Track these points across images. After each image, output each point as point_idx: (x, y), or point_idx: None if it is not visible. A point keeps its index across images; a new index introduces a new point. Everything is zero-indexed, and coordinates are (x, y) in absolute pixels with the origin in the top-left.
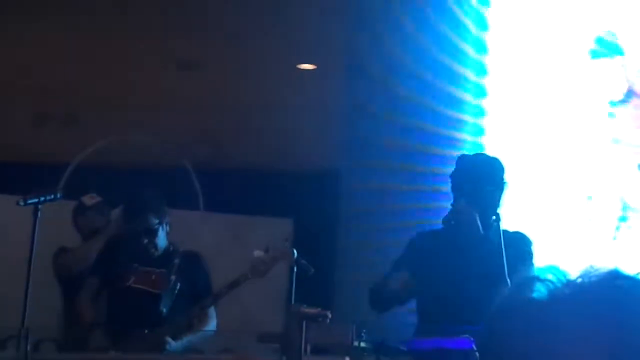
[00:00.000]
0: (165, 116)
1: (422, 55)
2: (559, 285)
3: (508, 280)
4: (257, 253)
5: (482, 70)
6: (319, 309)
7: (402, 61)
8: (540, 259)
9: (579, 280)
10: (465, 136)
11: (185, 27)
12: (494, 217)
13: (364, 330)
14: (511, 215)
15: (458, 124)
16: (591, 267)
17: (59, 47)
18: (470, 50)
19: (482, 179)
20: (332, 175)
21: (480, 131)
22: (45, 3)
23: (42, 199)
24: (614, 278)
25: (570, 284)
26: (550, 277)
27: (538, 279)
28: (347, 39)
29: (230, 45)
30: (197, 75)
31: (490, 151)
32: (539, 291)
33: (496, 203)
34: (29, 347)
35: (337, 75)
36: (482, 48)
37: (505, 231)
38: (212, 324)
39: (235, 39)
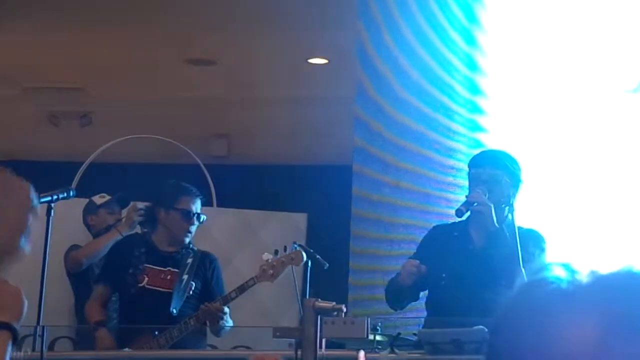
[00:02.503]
0: (177, 113)
1: (436, 50)
2: (580, 274)
3: (523, 271)
4: (266, 256)
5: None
6: (334, 303)
7: (415, 56)
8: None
9: (602, 272)
10: (477, 134)
11: (197, 23)
12: (507, 208)
13: (379, 324)
14: (525, 214)
15: (472, 122)
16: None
17: (74, 47)
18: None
19: (500, 169)
20: (345, 169)
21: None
22: (60, 3)
23: (56, 197)
24: (634, 269)
25: (592, 273)
26: (571, 266)
27: (558, 267)
28: (359, 32)
29: (241, 40)
30: (209, 71)
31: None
32: (559, 280)
33: (511, 197)
34: (45, 346)
35: (349, 69)
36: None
37: (519, 227)
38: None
39: (247, 33)
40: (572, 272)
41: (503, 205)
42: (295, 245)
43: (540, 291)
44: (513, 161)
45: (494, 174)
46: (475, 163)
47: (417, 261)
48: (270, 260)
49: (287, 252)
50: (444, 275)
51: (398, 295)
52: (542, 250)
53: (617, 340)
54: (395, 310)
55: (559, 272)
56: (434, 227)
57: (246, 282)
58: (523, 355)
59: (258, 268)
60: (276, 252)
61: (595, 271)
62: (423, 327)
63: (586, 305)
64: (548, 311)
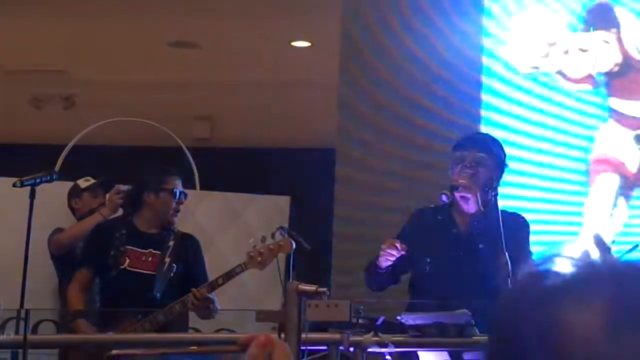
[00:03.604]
0: (160, 95)
1: (419, 33)
2: (584, 264)
3: (506, 255)
4: (253, 242)
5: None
6: (317, 286)
7: (399, 38)
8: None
9: (606, 262)
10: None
11: (181, 6)
12: (491, 192)
13: (362, 307)
14: (510, 198)
15: (455, 104)
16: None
17: (57, 30)
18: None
19: (485, 152)
20: (328, 153)
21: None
22: None
23: (39, 180)
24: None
25: (595, 264)
26: (570, 255)
27: (559, 255)
28: (343, 15)
29: (224, 23)
30: (192, 54)
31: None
32: (562, 270)
33: (495, 180)
34: (28, 329)
35: (332, 52)
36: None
37: (503, 211)
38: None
39: (230, 16)
40: (576, 262)
41: (487, 189)
42: (283, 232)
43: (545, 282)
44: (497, 144)
45: (479, 157)
46: (460, 146)
47: (397, 240)
48: (257, 247)
49: (276, 239)
50: (428, 260)
51: (376, 276)
52: (527, 234)
53: (623, 332)
54: (374, 291)
55: (561, 262)
56: (417, 211)
57: (233, 269)
58: (530, 346)
59: (243, 253)
60: (263, 238)
61: (598, 261)
62: (406, 311)
63: (591, 296)
64: (553, 302)
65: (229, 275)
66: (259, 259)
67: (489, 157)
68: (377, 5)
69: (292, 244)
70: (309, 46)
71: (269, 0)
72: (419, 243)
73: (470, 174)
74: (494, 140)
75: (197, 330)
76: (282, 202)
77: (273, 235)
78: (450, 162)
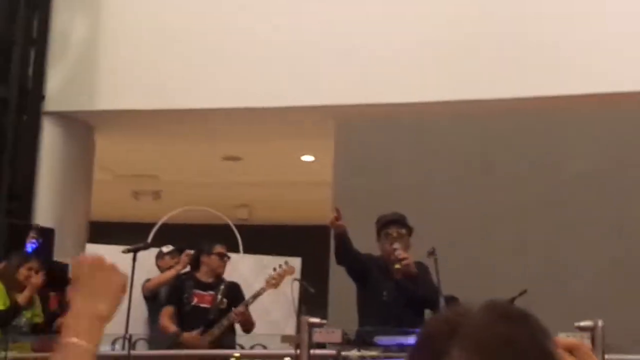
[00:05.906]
0: (216, 192)
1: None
2: (463, 308)
3: (441, 298)
4: (270, 272)
5: None
6: (320, 319)
7: (383, 155)
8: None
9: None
10: None
11: (228, 133)
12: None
13: (347, 333)
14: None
15: None
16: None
17: (150, 149)
18: None
19: (403, 228)
20: (325, 230)
21: None
22: None
23: (137, 248)
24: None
25: (467, 307)
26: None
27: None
28: (336, 139)
29: (257, 144)
30: (236, 164)
31: None
32: (447, 314)
33: (408, 243)
34: (130, 345)
35: (330, 163)
36: None
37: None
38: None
39: (260, 141)
40: (456, 306)
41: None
42: (287, 263)
43: (434, 325)
44: (405, 218)
45: (400, 232)
46: (384, 225)
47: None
48: (271, 274)
49: (284, 267)
50: (384, 293)
51: (342, 245)
52: (430, 274)
53: None
54: (343, 264)
55: (450, 305)
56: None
57: (258, 291)
58: None
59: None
60: (275, 269)
61: (473, 305)
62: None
63: (465, 338)
64: (437, 346)
65: (255, 296)
66: (273, 281)
67: (405, 230)
68: (364, 131)
69: (294, 269)
70: (313, 160)
71: (284, 130)
72: (377, 277)
73: (403, 246)
74: (403, 216)
75: (241, 347)
76: (295, 262)
77: (281, 265)
78: (380, 237)
